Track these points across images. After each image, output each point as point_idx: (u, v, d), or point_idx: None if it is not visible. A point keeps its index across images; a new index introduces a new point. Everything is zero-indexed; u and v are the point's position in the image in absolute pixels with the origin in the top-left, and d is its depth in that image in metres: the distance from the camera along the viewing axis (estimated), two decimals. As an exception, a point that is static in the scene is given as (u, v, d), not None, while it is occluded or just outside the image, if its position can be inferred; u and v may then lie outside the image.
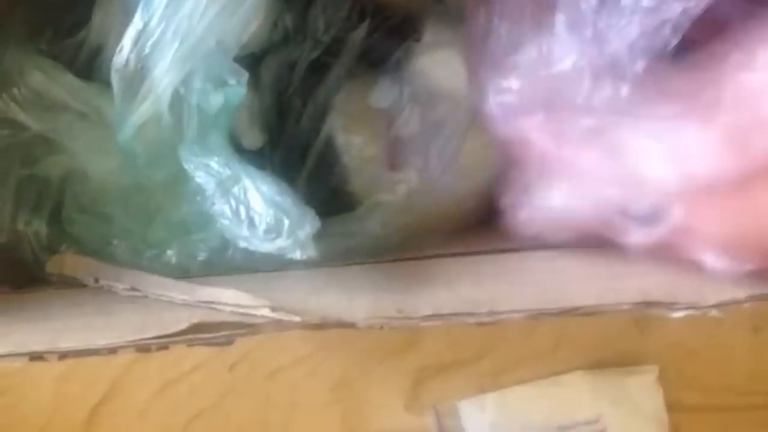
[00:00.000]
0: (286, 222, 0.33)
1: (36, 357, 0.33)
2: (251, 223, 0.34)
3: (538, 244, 0.37)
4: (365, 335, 0.63)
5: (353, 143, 0.44)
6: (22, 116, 0.41)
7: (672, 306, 0.30)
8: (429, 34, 0.44)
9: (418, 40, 0.44)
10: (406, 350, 0.61)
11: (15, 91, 0.41)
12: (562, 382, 0.58)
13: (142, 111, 0.36)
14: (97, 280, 0.39)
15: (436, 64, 0.43)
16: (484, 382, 0.60)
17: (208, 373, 0.63)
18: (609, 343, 0.61)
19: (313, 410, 0.63)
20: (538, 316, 0.31)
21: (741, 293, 0.29)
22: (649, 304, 0.30)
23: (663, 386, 0.60)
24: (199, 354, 0.63)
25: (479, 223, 0.47)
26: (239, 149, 0.41)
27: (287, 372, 0.63)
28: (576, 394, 0.58)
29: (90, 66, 0.45)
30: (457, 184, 0.44)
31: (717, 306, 0.30)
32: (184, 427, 0.63)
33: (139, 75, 0.36)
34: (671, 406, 0.60)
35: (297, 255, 0.33)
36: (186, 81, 0.37)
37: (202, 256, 0.40)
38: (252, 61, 0.43)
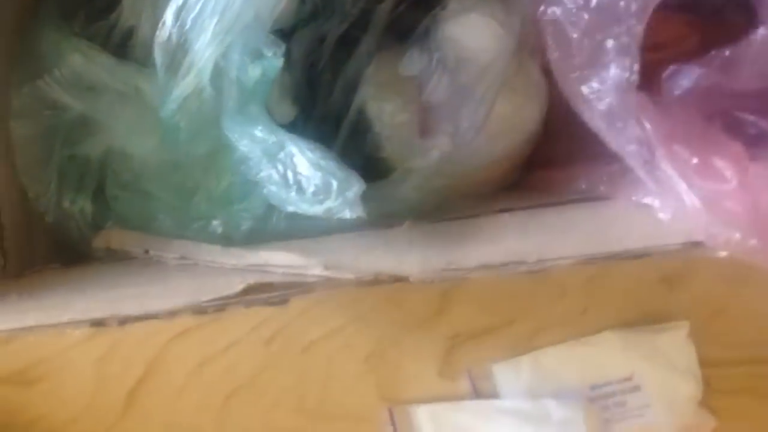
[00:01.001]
0: (334, 183, 0.34)
1: (97, 323, 0.34)
2: (299, 187, 0.35)
3: (577, 197, 0.38)
4: (397, 306, 0.63)
5: (385, 111, 0.45)
6: (63, 97, 0.42)
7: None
8: (454, 1, 0.44)
9: (444, 7, 0.44)
10: (437, 319, 0.62)
11: (56, 72, 0.42)
12: (593, 342, 0.59)
13: (184, 84, 0.37)
14: (146, 251, 0.40)
15: (464, 29, 0.44)
16: (516, 345, 0.61)
17: (244, 349, 0.64)
18: (638, 303, 0.61)
19: (347, 381, 0.64)
20: (587, 261, 0.31)
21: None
22: (695, 244, 0.31)
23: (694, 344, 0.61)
24: (234, 331, 0.64)
25: (512, 186, 0.48)
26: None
27: (321, 345, 0.64)
28: (608, 353, 0.58)
29: (122, 48, 0.45)
30: (488, 147, 0.45)
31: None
32: (222, 403, 0.65)
33: (181, 49, 0.37)
34: (700, 362, 0.61)
35: (347, 214, 0.34)
36: (225, 54, 0.38)
37: (246, 225, 0.41)
38: (281, 37, 0.44)
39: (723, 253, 0.31)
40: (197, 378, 0.65)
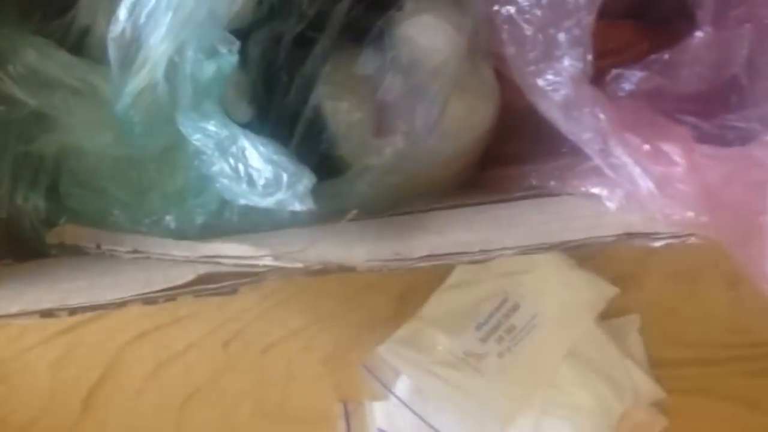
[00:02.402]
0: (285, 176, 0.35)
1: (47, 314, 0.34)
2: (250, 180, 0.36)
3: (527, 193, 0.39)
4: (356, 308, 0.64)
5: (340, 110, 0.45)
6: (17, 92, 0.42)
7: (653, 236, 0.32)
8: (409, 2, 0.45)
9: (399, 8, 0.45)
10: (395, 320, 0.63)
11: (10, 68, 0.42)
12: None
13: (138, 79, 0.38)
14: (99, 246, 0.40)
15: (418, 30, 0.45)
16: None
17: (203, 351, 0.65)
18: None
19: (307, 383, 0.65)
20: (528, 251, 0.32)
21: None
22: (631, 235, 0.32)
23: (645, 342, 0.62)
24: (192, 332, 0.64)
25: (465, 185, 0.49)
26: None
27: (281, 346, 0.65)
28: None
29: (79, 46, 0.46)
30: (442, 146, 0.46)
31: (695, 233, 0.32)
32: (180, 405, 0.65)
33: (135, 44, 0.37)
34: (653, 363, 0.63)
35: (296, 207, 0.35)
36: (180, 50, 0.38)
37: (200, 219, 0.41)
38: (238, 36, 0.44)
39: (658, 244, 0.33)
40: (155, 380, 0.65)
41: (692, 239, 0.32)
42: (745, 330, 0.64)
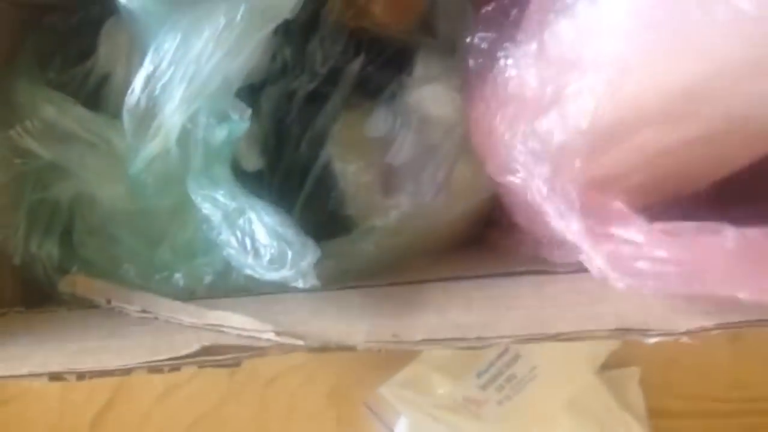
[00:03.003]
0: (290, 253, 0.36)
1: (56, 377, 0.36)
2: (256, 254, 0.37)
3: (524, 269, 0.39)
4: (359, 344, 0.65)
5: (349, 170, 0.46)
6: (34, 146, 0.43)
7: (646, 332, 0.33)
8: (420, 68, 0.46)
9: (410, 74, 0.46)
10: (397, 359, 0.63)
11: (28, 122, 0.43)
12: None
13: (152, 147, 0.39)
14: (109, 302, 0.41)
15: (428, 96, 0.46)
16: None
17: (208, 379, 0.66)
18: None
19: (309, 416, 0.66)
20: (523, 340, 0.33)
21: (709, 322, 0.32)
22: (625, 331, 0.33)
23: (646, 392, 0.62)
24: (199, 363, 0.65)
25: (468, 244, 0.49)
26: (239, 172, 0.44)
27: (284, 379, 0.66)
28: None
29: (97, 94, 0.47)
30: (447, 207, 0.47)
31: (687, 333, 0.32)
32: (185, 431, 0.66)
33: (149, 114, 0.38)
34: (653, 412, 0.63)
35: (300, 284, 0.36)
36: (192, 117, 0.39)
37: (207, 279, 0.42)
38: (251, 90, 0.45)
39: (653, 340, 0.33)
40: (162, 405, 0.66)
41: (684, 338, 0.33)
42: (746, 384, 0.64)
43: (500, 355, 0.59)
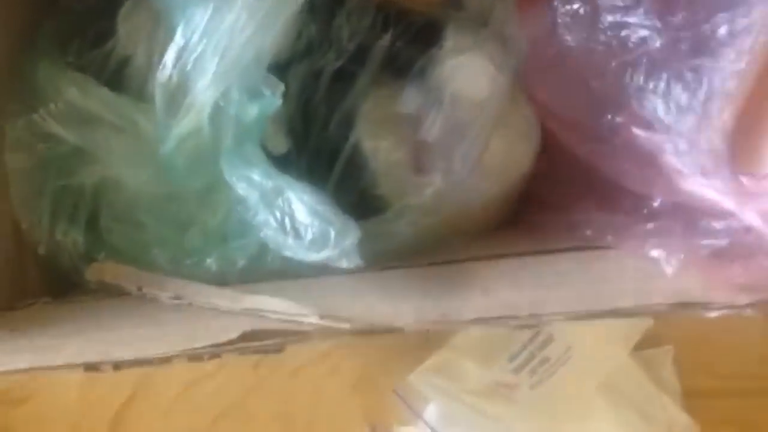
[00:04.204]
0: (332, 233, 0.34)
1: (91, 368, 0.34)
2: (297, 234, 0.35)
3: (568, 246, 0.38)
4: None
5: (380, 148, 0.45)
6: (59, 130, 0.42)
7: (707, 306, 0.32)
8: (451, 41, 0.45)
9: (441, 47, 0.44)
10: (426, 345, 0.62)
11: (51, 106, 0.42)
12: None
13: (184, 124, 0.38)
14: (140, 288, 0.40)
15: (459, 69, 0.44)
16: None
17: (233, 372, 0.65)
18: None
19: (335, 406, 0.65)
20: (577, 317, 0.32)
21: (772, 295, 0.31)
22: (684, 305, 0.31)
23: (679, 372, 0.61)
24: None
25: (505, 223, 0.48)
26: (266, 155, 0.42)
27: (310, 369, 0.65)
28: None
29: (118, 76, 0.45)
30: (482, 185, 0.46)
31: (751, 305, 0.31)
32: (209, 425, 0.65)
33: (181, 90, 0.37)
34: (686, 392, 0.62)
35: (344, 264, 0.34)
36: (224, 93, 0.38)
37: (241, 263, 0.41)
38: (276, 69, 0.44)
39: (712, 314, 0.32)
40: (185, 400, 0.65)
41: (749, 311, 0.32)
42: (779, 361, 0.64)
43: (533, 338, 0.57)
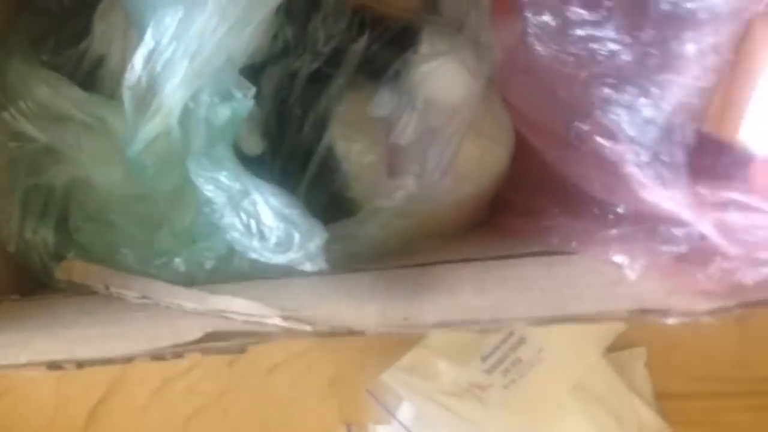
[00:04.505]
0: (297, 235, 0.35)
1: (54, 366, 0.34)
2: (262, 237, 0.35)
3: (535, 250, 0.38)
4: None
5: (353, 151, 0.45)
6: (29, 128, 0.42)
7: (666, 313, 0.32)
8: (426, 45, 0.45)
9: (416, 51, 0.45)
10: (399, 345, 0.63)
11: (22, 104, 0.42)
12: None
13: (152, 126, 0.37)
14: (107, 287, 0.40)
15: (433, 74, 0.44)
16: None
17: (207, 370, 0.65)
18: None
19: (310, 405, 0.65)
20: (538, 322, 0.32)
21: (731, 301, 0.31)
22: (644, 312, 0.32)
23: (651, 374, 0.62)
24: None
25: (475, 227, 0.48)
26: (240, 156, 0.42)
27: (285, 368, 0.65)
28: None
29: (92, 76, 0.45)
30: (454, 189, 0.46)
31: (709, 313, 0.32)
32: (184, 423, 0.65)
33: (150, 92, 0.37)
34: (658, 394, 0.63)
35: (307, 267, 0.34)
36: (195, 95, 0.38)
37: (209, 264, 0.41)
38: (252, 71, 0.44)
39: (671, 321, 0.32)
40: (159, 397, 0.65)
41: (706, 318, 0.32)
42: (752, 364, 0.64)
43: (505, 339, 0.58)
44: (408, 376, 0.60)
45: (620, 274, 0.35)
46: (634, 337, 0.62)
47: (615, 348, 0.62)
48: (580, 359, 0.59)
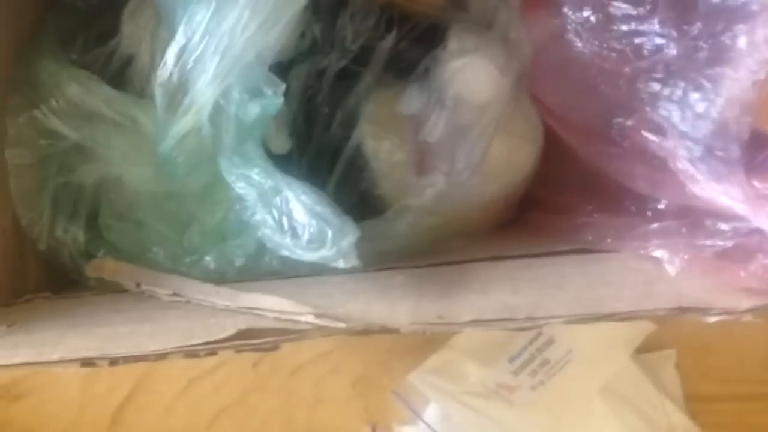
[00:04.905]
0: (329, 232, 0.34)
1: (87, 363, 0.34)
2: (294, 234, 0.35)
3: (568, 248, 0.38)
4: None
5: (382, 149, 0.45)
6: (60, 126, 0.42)
7: (707, 311, 0.31)
8: (454, 42, 0.45)
9: (444, 48, 0.44)
10: (426, 344, 0.62)
11: (53, 102, 0.42)
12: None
13: (184, 123, 0.37)
14: (138, 285, 0.40)
15: (462, 71, 0.44)
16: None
17: (232, 370, 0.65)
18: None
19: (335, 405, 0.65)
20: (575, 321, 0.32)
21: (772, 300, 0.31)
22: (684, 310, 0.31)
23: (681, 376, 0.61)
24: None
25: (506, 224, 0.48)
26: (268, 155, 0.42)
27: (310, 368, 0.64)
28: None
29: (121, 75, 0.45)
30: (483, 187, 0.45)
31: (751, 311, 0.31)
32: (209, 423, 0.65)
33: (181, 89, 0.37)
34: (688, 396, 0.62)
35: (340, 264, 0.34)
36: (225, 92, 0.38)
37: (239, 261, 0.41)
38: (280, 69, 0.44)
39: (712, 319, 0.32)
40: (185, 397, 0.65)
41: (747, 316, 0.31)
42: (782, 366, 0.63)
43: (533, 340, 0.57)
44: (434, 377, 0.60)
45: (657, 272, 0.34)
46: (663, 338, 0.61)
47: (644, 349, 0.61)
48: (609, 361, 0.58)
